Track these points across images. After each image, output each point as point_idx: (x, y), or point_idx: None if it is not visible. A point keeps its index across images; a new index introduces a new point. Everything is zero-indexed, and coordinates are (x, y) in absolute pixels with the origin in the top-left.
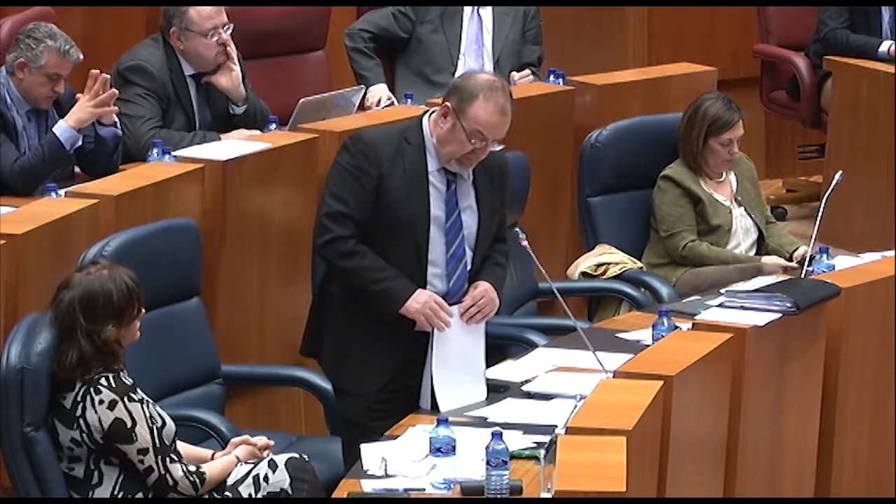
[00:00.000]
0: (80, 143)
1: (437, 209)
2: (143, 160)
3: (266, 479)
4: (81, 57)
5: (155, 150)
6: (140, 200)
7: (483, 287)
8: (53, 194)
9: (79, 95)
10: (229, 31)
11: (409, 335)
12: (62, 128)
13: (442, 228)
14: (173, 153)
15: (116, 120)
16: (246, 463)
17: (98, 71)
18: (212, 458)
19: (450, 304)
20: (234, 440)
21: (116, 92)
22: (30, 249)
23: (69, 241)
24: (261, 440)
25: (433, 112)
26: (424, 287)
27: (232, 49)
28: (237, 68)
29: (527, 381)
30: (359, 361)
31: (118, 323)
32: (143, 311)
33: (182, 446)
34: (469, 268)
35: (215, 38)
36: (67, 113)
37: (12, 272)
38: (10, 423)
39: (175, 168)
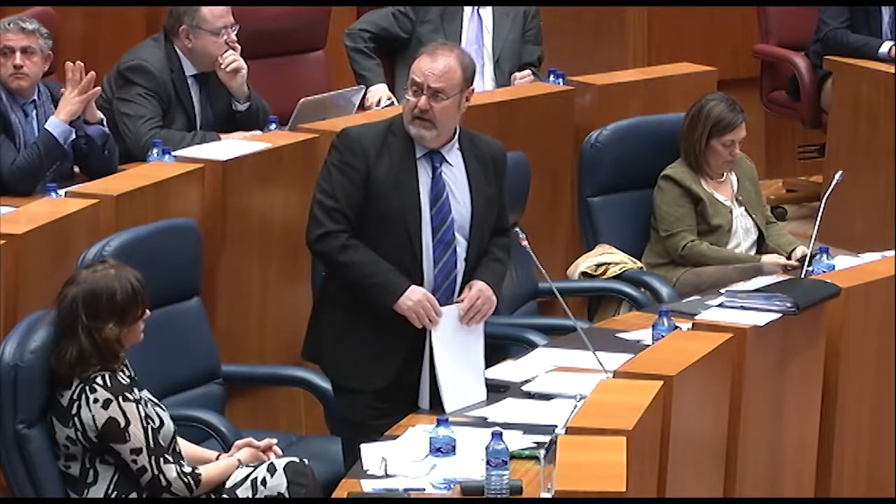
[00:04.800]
0: (73, 136)
1: (424, 195)
2: (143, 160)
3: (264, 482)
4: (30, 25)
5: (155, 150)
6: (140, 200)
7: (478, 287)
8: (53, 194)
9: (63, 90)
10: (235, 32)
11: (410, 334)
12: (54, 123)
13: (428, 213)
14: (173, 153)
15: (103, 117)
16: (247, 466)
17: (72, 63)
18: (216, 461)
19: (436, 292)
20: (238, 443)
21: (93, 74)
22: (30, 249)
23: (69, 241)
24: (264, 441)
25: None
26: (420, 277)
27: (237, 48)
28: (245, 67)
29: (527, 381)
30: (359, 360)
31: (120, 322)
32: (148, 312)
33: (187, 447)
34: (465, 256)
35: (225, 38)
36: None
37: (12, 272)
38: (3, 420)
39: (175, 168)
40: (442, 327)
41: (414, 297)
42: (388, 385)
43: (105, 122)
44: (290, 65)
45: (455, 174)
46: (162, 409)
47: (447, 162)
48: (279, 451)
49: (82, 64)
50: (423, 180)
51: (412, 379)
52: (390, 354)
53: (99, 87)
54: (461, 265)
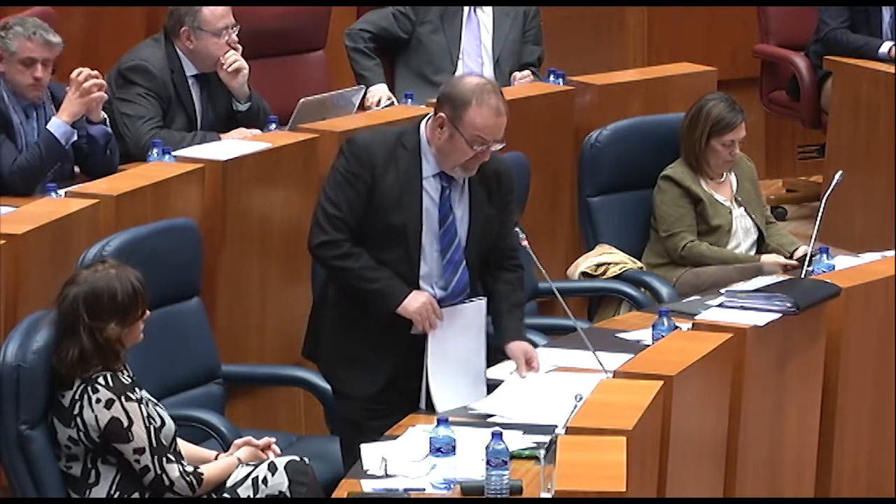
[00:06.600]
0: (74, 137)
1: (429, 215)
2: (143, 160)
3: (265, 481)
4: (55, 39)
5: (155, 150)
6: (140, 200)
7: (524, 350)
8: (53, 194)
9: (66, 89)
10: (236, 32)
11: (407, 339)
12: (56, 124)
13: (435, 235)
14: (173, 153)
15: (106, 117)
16: (248, 465)
17: (82, 69)
18: (215, 460)
19: (452, 305)
20: (237, 441)
21: (102, 81)
22: (30, 249)
23: (69, 241)
24: (263, 440)
25: (430, 118)
26: (419, 290)
27: (239, 49)
28: (246, 67)
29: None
30: (357, 365)
31: (121, 322)
32: (148, 312)
33: (186, 447)
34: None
35: (226, 38)
36: None
37: (12, 272)
38: (5, 420)
39: (175, 168)
40: (441, 329)
41: (418, 300)
42: (385, 389)
43: (108, 122)
44: (290, 65)
45: (460, 193)
46: (161, 408)
47: (455, 182)
48: (278, 451)
49: (95, 71)
50: (428, 200)
51: (412, 383)
52: (385, 361)
53: (104, 95)
54: None
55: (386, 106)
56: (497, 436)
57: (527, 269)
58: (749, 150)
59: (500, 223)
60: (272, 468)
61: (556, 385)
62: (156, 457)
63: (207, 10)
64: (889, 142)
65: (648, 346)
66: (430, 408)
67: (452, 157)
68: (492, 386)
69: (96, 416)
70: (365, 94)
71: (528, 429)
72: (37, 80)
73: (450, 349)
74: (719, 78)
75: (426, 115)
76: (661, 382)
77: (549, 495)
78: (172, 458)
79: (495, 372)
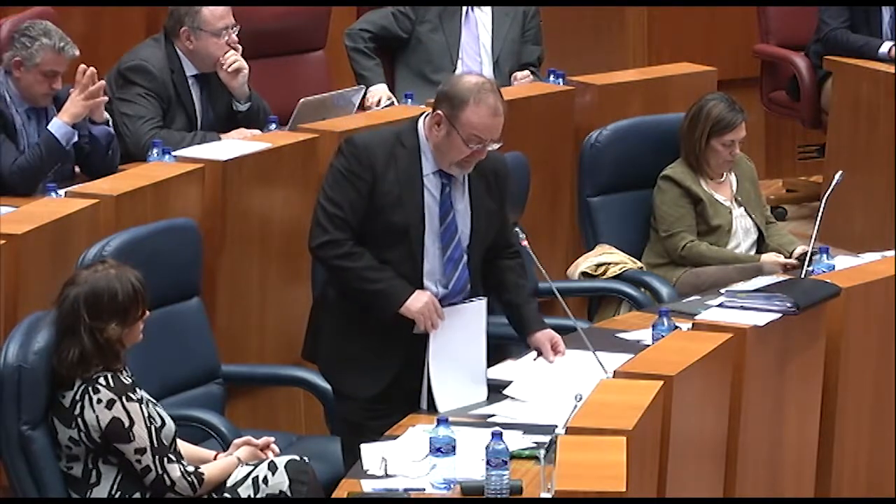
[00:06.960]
0: (75, 138)
1: (431, 213)
2: (143, 160)
3: (265, 480)
4: (77, 53)
5: (155, 150)
6: (140, 200)
7: (548, 337)
8: (53, 194)
9: (72, 90)
10: (236, 32)
11: (408, 340)
12: (57, 125)
13: (436, 232)
14: (173, 153)
15: (108, 118)
16: (247, 464)
17: (86, 66)
18: (214, 460)
19: (451, 304)
20: (237, 441)
21: (104, 83)
22: (30, 249)
23: (69, 241)
24: (262, 440)
25: (428, 115)
26: (421, 289)
27: (238, 49)
28: (246, 67)
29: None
30: (357, 366)
31: (121, 322)
32: (148, 313)
33: (184, 446)
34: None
35: (226, 38)
36: None
37: (12, 272)
38: (7, 421)
39: (175, 168)
40: (442, 328)
41: (420, 300)
42: (386, 390)
43: (110, 123)
44: (290, 65)
45: (460, 190)
46: (161, 408)
47: (455, 179)
48: (277, 450)
49: (95, 70)
50: (430, 198)
51: (414, 384)
52: (385, 363)
53: (106, 97)
54: None
55: (386, 106)
56: (497, 436)
57: (527, 270)
58: (749, 150)
59: (500, 220)
60: (272, 468)
61: (573, 378)
62: (157, 457)
63: (207, 11)
64: (889, 142)
65: (648, 346)
66: (432, 408)
67: (449, 155)
68: (492, 386)
69: (97, 417)
70: (365, 94)
71: (528, 429)
72: (53, 90)
73: (451, 349)
74: (719, 78)
75: (423, 113)
76: (661, 382)
77: (549, 495)
78: (173, 458)
79: (495, 372)
